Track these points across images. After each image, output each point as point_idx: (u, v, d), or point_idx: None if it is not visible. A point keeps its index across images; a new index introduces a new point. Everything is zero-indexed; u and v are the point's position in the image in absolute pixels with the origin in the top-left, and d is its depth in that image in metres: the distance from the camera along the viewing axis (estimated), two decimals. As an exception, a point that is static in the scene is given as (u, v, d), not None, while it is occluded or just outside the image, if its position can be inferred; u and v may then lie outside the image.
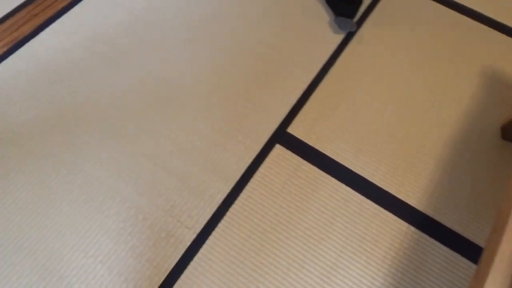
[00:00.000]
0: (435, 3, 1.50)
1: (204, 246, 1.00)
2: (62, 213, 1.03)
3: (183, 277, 0.96)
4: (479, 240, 1.03)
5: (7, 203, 1.03)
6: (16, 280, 0.94)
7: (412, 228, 1.05)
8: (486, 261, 0.71)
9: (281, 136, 1.17)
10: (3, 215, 1.02)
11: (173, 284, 0.95)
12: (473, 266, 0.99)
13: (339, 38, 1.38)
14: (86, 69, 1.25)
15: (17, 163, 1.09)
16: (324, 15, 1.43)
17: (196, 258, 0.99)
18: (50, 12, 1.36)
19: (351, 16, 1.40)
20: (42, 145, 1.12)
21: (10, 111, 1.17)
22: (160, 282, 0.96)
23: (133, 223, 1.02)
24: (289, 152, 1.14)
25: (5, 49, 1.28)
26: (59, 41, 1.31)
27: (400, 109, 1.23)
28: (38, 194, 1.05)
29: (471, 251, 1.02)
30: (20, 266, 0.96)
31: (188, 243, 1.00)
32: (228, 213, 1.05)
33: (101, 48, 1.30)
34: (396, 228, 1.05)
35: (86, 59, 1.27)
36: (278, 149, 1.15)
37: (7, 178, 1.06)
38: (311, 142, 1.16)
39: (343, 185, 1.09)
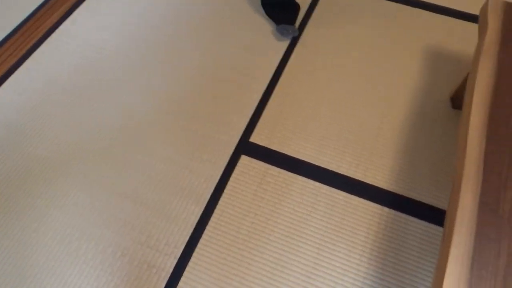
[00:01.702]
0: (369, -4, 1.57)
1: (187, 269, 1.00)
2: (39, 266, 1.01)
3: (170, 304, 0.95)
4: (449, 207, 1.06)
5: (-20, 269, 1.01)
6: None
7: (386, 209, 1.07)
8: (449, 221, 0.74)
9: (245, 147, 1.19)
10: (-22, 281, 0.99)
11: (162, 314, 0.94)
12: (449, 232, 1.02)
13: (284, 45, 1.43)
14: (45, 119, 1.26)
15: (-15, 226, 1.07)
16: (265, 25, 1.48)
17: (181, 283, 0.98)
18: (2, 70, 1.37)
19: (291, 22, 1.45)
20: (11, 201, 1.10)
21: (-29, 177, 1.15)
22: (149, 314, 0.94)
23: (112, 262, 1.01)
24: (254, 161, 1.16)
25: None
26: (12, 98, 1.31)
27: (354, 100, 1.28)
28: (14, 250, 1.03)
29: (444, 219, 1.04)
30: (2, 329, 0.93)
31: (171, 270, 1.00)
32: (206, 231, 1.05)
33: (56, 96, 1.31)
34: (371, 212, 1.07)
35: (42, 109, 1.28)
36: (244, 159, 1.17)
37: (-23, 243, 1.05)
38: (274, 147, 1.18)
39: (312, 181, 1.11)
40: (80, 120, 1.26)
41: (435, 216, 1.05)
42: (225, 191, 1.11)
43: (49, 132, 1.23)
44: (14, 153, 1.20)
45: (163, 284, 0.98)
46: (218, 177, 1.13)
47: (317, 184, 1.11)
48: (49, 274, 1.00)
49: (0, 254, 1.03)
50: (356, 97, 1.28)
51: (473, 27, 1.45)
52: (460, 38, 1.42)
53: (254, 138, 1.21)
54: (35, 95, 1.32)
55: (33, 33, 1.50)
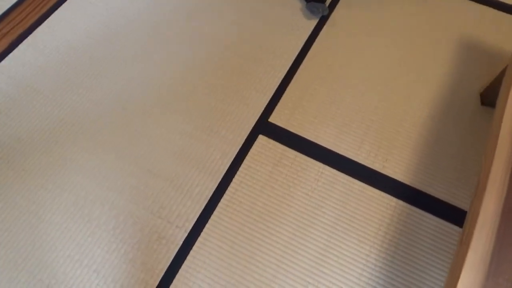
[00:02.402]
0: (404, -22, 1.50)
1: (197, 243, 1.00)
2: (52, 225, 1.03)
3: (178, 276, 0.96)
4: (466, 206, 1.03)
5: (-4, 223, 1.03)
6: (12, 298, 0.95)
7: (401, 202, 1.05)
8: (469, 224, 0.72)
9: (263, 127, 1.17)
10: (-7, 235, 1.02)
11: (169, 284, 0.96)
12: (464, 232, 1.00)
13: (312, 23, 1.38)
14: (63, 83, 1.25)
15: (5, 179, 1.09)
16: (295, 2, 1.43)
17: (189, 256, 0.99)
18: (21, 29, 1.36)
19: (322, 0, 1.40)
20: (29, 160, 1.12)
21: (-9, 132, 1.17)
22: (156, 284, 0.96)
23: (124, 229, 1.02)
24: (272, 141, 1.14)
25: (-19, 71, 1.28)
26: (34, 56, 1.30)
27: (379, 87, 1.24)
28: (28, 209, 1.05)
29: (460, 218, 1.02)
30: (15, 284, 0.96)
31: (180, 242, 1.01)
32: (218, 208, 1.05)
33: (76, 59, 1.30)
34: (385, 204, 1.05)
35: (62, 73, 1.27)
36: (261, 139, 1.15)
37: (-6, 198, 1.07)
38: (293, 129, 1.16)
39: (328, 168, 1.10)
40: (98, 88, 1.25)
41: (452, 214, 1.03)
42: (240, 169, 1.10)
43: (66, 96, 1.23)
44: (31, 113, 1.20)
45: (172, 256, 0.99)
46: (234, 155, 1.13)
47: (334, 171, 1.09)
48: (62, 234, 1.02)
49: (14, 212, 1.05)
50: (382, 84, 1.24)
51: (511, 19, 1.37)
52: (496, 30, 1.35)
53: (274, 119, 1.18)
54: (54, 56, 1.31)
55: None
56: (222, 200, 1.06)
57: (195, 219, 1.04)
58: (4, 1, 1.43)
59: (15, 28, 1.36)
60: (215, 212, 1.04)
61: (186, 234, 1.01)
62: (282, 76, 1.26)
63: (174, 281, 0.96)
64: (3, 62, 1.29)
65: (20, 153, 1.13)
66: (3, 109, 1.20)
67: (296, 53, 1.31)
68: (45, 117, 1.19)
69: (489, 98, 1.17)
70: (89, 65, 1.29)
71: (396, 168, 1.10)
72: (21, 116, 1.19)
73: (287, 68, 1.28)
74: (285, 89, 1.24)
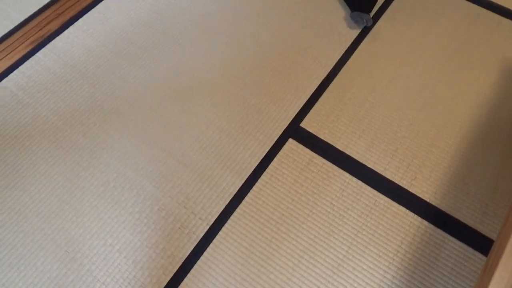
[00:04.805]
0: (454, -4, 1.47)
1: (217, 237, 1.03)
2: (83, 203, 1.08)
3: (196, 266, 0.99)
4: (493, 235, 1.01)
5: (33, 192, 1.09)
6: (40, 265, 1.00)
7: (425, 223, 1.04)
8: (495, 254, 0.71)
9: (294, 131, 1.18)
10: (28, 203, 1.07)
11: (186, 273, 0.98)
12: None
13: (354, 33, 1.38)
14: (108, 66, 1.30)
15: (44, 153, 1.14)
16: (339, 9, 1.43)
17: (209, 249, 1.01)
18: (74, 11, 1.42)
19: (368, 10, 1.39)
20: (67, 138, 1.17)
21: (38, 105, 1.23)
22: (174, 271, 0.99)
23: (149, 214, 1.06)
24: (301, 147, 1.15)
25: (32, 46, 1.34)
26: (83, 38, 1.36)
27: (415, 104, 1.22)
28: (62, 184, 1.10)
29: (485, 246, 1.00)
30: (43, 252, 1.01)
31: (201, 234, 1.03)
32: (241, 206, 1.07)
33: (121, 45, 1.35)
34: (409, 222, 1.04)
35: (108, 56, 1.32)
36: (291, 143, 1.16)
37: (35, 167, 1.12)
38: (323, 137, 1.17)
39: (355, 179, 1.10)
40: (139, 74, 1.29)
41: (476, 240, 1.01)
42: (267, 170, 1.12)
43: (109, 80, 1.28)
44: (74, 93, 1.25)
45: (192, 247, 1.02)
46: (263, 155, 1.14)
47: (360, 183, 1.09)
48: (91, 211, 1.07)
49: (48, 186, 1.10)
50: (419, 102, 1.23)
51: None
52: (546, 59, 1.31)
53: (305, 124, 1.19)
54: (101, 40, 1.36)
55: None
56: (246, 198, 1.08)
57: (218, 214, 1.06)
58: (60, -17, 1.50)
59: (69, 9, 1.42)
60: (238, 209, 1.06)
61: (208, 227, 1.04)
62: (319, 82, 1.27)
63: (192, 270, 0.99)
64: (54, 41, 1.35)
65: (60, 129, 1.19)
66: (49, 85, 1.26)
67: (335, 61, 1.31)
68: (87, 98, 1.24)
69: (529, 127, 1.14)
70: (134, 51, 1.34)
71: (424, 188, 1.09)
72: (65, 94, 1.25)
73: (325, 75, 1.28)
74: (320, 96, 1.24)
